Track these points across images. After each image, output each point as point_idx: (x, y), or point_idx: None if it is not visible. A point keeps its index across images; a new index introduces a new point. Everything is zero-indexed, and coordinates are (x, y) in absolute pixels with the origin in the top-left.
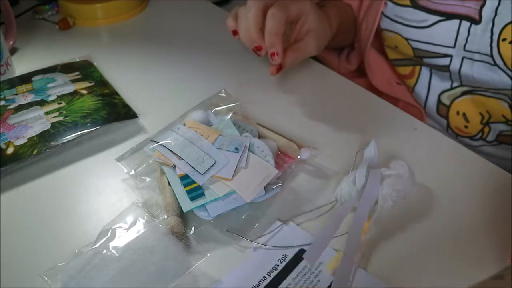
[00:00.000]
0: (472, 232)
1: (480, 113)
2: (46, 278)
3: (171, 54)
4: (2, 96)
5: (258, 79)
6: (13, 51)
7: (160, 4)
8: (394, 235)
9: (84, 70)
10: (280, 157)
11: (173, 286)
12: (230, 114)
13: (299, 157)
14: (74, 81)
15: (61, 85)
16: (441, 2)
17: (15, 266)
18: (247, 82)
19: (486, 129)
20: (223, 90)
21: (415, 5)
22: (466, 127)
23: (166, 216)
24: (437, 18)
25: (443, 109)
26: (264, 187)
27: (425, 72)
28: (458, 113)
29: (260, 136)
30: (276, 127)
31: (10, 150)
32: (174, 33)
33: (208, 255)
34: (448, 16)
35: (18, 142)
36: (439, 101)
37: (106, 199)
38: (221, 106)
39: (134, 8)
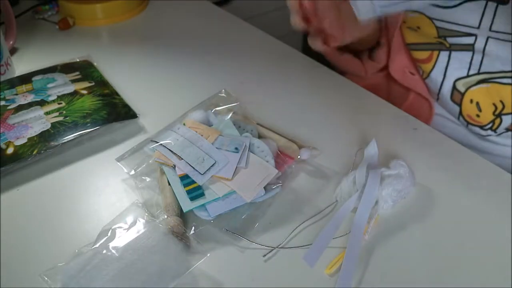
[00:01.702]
0: (472, 232)
1: (494, 104)
2: (46, 278)
3: (171, 54)
4: (2, 96)
5: (258, 79)
6: (13, 51)
7: (160, 4)
8: (394, 235)
9: (84, 70)
10: (280, 157)
11: (173, 286)
12: (230, 114)
13: (299, 157)
14: (74, 81)
15: (61, 85)
16: None
17: (15, 266)
18: (247, 82)
19: (497, 121)
20: (223, 90)
21: None
22: (478, 116)
23: (166, 216)
24: None
25: (457, 95)
26: (264, 187)
27: (443, 57)
28: (471, 101)
29: (260, 136)
30: (276, 127)
31: (10, 150)
32: (174, 33)
33: (208, 255)
34: None
35: (18, 142)
36: (454, 88)
37: (106, 199)
38: (221, 106)
39: (134, 8)
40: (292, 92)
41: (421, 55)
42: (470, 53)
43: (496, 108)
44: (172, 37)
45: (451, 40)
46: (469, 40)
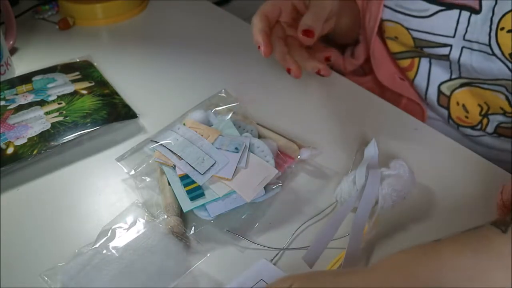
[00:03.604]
0: None
1: (479, 105)
2: (46, 278)
3: (171, 54)
4: (2, 96)
5: (258, 79)
6: (13, 51)
7: (160, 4)
8: (394, 235)
9: (84, 70)
10: (280, 157)
11: (173, 286)
12: (230, 114)
13: (299, 157)
14: (74, 81)
15: (61, 85)
16: None
17: (15, 266)
18: (247, 82)
19: (485, 121)
20: (223, 90)
21: None
22: (466, 117)
23: (166, 216)
24: (438, 8)
25: (444, 99)
26: (264, 187)
27: (424, 63)
28: (458, 103)
29: (260, 136)
30: (276, 127)
31: (10, 150)
32: (174, 33)
33: (208, 255)
34: (448, 6)
35: (18, 142)
36: (439, 92)
37: (106, 199)
38: (221, 106)
39: (134, 8)
40: (292, 92)
41: (403, 63)
42: (448, 62)
43: (482, 108)
44: (172, 37)
45: (427, 50)
46: (444, 51)
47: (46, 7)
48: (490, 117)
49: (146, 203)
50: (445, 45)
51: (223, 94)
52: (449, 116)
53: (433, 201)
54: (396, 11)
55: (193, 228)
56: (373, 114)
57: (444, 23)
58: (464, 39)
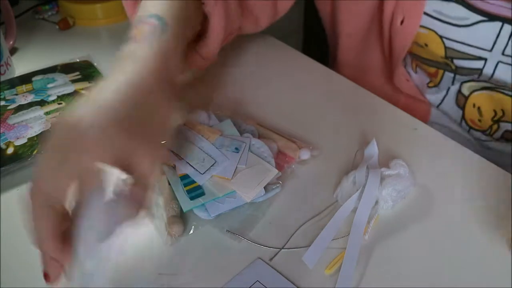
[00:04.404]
0: (472, 232)
1: (494, 110)
2: None
3: None
4: (2, 96)
5: (258, 79)
6: (13, 51)
7: None
8: (394, 235)
9: (84, 70)
10: (280, 157)
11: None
12: (230, 114)
13: (299, 157)
14: (74, 81)
15: (61, 86)
16: (487, 1)
17: (15, 266)
18: (247, 82)
19: (495, 127)
20: (223, 90)
21: (459, 0)
22: (479, 121)
23: (166, 216)
24: (479, 18)
25: (461, 99)
26: (264, 187)
27: (448, 76)
28: (474, 105)
29: (260, 136)
30: (276, 127)
31: (10, 150)
32: None
33: (208, 255)
34: (491, 17)
35: (18, 142)
36: (459, 91)
37: None
38: (221, 106)
39: None
40: (292, 92)
41: (427, 68)
42: (476, 76)
43: (495, 114)
44: None
45: (458, 62)
46: (478, 64)
47: (46, 7)
48: (502, 124)
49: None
50: (479, 58)
51: (222, 94)
52: (463, 117)
53: (433, 201)
54: (432, 16)
55: (193, 228)
56: (373, 114)
57: (483, 35)
58: (503, 53)
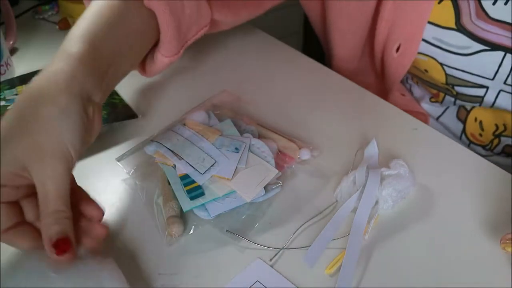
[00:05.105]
0: (472, 232)
1: (496, 124)
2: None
3: None
4: (2, 97)
5: (258, 79)
6: (13, 51)
7: None
8: (394, 235)
9: None
10: (280, 157)
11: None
12: (230, 114)
13: (299, 157)
14: None
15: None
16: (488, 30)
17: (15, 266)
18: (247, 82)
19: (496, 141)
20: (223, 90)
21: (460, 28)
22: (480, 135)
23: (166, 216)
24: (481, 47)
25: (463, 113)
26: (264, 187)
27: (449, 99)
28: (476, 119)
29: (260, 136)
30: (276, 127)
31: None
32: None
33: (208, 255)
34: (494, 46)
35: None
36: (461, 105)
37: (106, 199)
38: (221, 106)
39: None
40: (292, 92)
41: (428, 88)
42: (477, 104)
43: (497, 128)
44: None
45: (459, 89)
46: (479, 92)
47: (46, 7)
48: (502, 138)
49: (146, 203)
50: (481, 86)
51: (223, 94)
52: (464, 131)
53: (433, 201)
54: (432, 44)
55: (193, 228)
56: (373, 114)
57: (485, 63)
58: (505, 83)
